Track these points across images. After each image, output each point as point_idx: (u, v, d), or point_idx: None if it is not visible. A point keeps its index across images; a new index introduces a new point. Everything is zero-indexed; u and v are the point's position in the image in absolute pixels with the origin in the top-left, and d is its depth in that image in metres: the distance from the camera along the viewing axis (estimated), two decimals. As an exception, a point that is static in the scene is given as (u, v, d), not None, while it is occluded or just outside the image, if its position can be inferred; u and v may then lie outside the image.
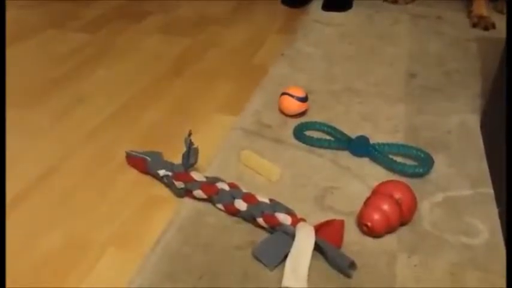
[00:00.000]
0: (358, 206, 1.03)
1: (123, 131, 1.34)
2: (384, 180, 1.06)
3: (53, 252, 0.97)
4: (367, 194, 1.04)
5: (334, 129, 1.29)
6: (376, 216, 0.97)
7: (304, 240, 0.92)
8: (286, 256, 0.92)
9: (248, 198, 1.01)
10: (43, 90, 1.52)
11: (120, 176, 1.17)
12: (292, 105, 1.35)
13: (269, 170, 1.15)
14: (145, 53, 1.79)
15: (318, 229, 0.94)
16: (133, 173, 1.18)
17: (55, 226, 1.03)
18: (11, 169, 1.15)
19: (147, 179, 1.15)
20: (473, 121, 1.38)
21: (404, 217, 1.00)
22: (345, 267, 0.90)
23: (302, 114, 1.37)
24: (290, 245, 0.92)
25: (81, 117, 1.39)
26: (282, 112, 1.38)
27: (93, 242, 0.99)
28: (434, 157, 1.18)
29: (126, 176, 1.17)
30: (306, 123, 1.32)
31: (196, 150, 1.10)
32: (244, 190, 1.04)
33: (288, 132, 1.31)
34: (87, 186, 1.14)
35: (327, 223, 0.95)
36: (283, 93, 1.36)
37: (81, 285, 0.90)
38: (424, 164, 1.17)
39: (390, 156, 1.19)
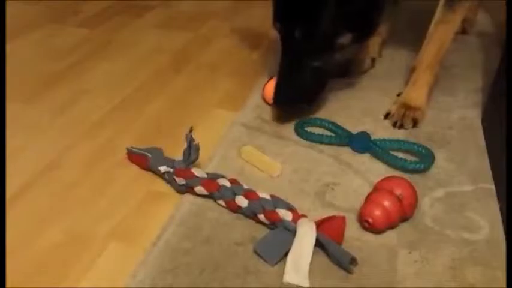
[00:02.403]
0: (359, 202, 1.03)
1: (123, 125, 1.34)
2: (385, 176, 1.07)
3: (54, 247, 0.97)
4: (368, 190, 1.05)
5: (335, 125, 1.29)
6: (377, 212, 0.97)
7: (305, 236, 0.92)
8: (287, 252, 0.92)
9: (249, 194, 1.01)
10: (43, 85, 1.52)
11: (120, 171, 1.17)
12: None
13: (270, 166, 1.15)
14: (146, 48, 1.78)
15: (319, 225, 0.94)
16: (134, 168, 1.18)
17: (56, 221, 1.03)
18: (11, 164, 1.15)
19: (148, 174, 1.15)
20: (474, 116, 1.38)
21: (405, 213, 1.00)
22: (346, 263, 0.90)
23: None
24: (291, 241, 0.92)
25: (82, 112, 1.39)
26: (266, 101, 1.38)
27: (94, 237, 1.00)
28: (435, 152, 1.18)
29: (126, 171, 1.17)
30: (307, 119, 1.32)
31: (197, 147, 1.09)
32: (245, 186, 1.04)
33: (288, 128, 1.30)
34: (87, 181, 1.14)
35: (328, 219, 0.95)
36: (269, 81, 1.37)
37: (83, 280, 0.90)
38: (425, 159, 1.17)
39: (391, 152, 1.19)
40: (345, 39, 1.23)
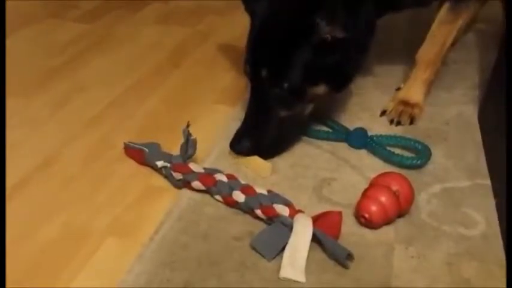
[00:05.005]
0: (355, 198, 1.03)
1: (121, 120, 1.34)
2: (382, 171, 1.07)
3: (52, 242, 0.97)
4: (365, 185, 1.05)
5: (332, 120, 1.30)
6: (374, 208, 0.98)
7: (302, 232, 0.92)
8: (284, 247, 0.92)
9: (246, 189, 1.02)
10: (42, 80, 1.52)
11: (118, 165, 1.17)
12: None
13: (260, 166, 1.15)
14: (144, 43, 1.78)
15: (316, 220, 0.95)
16: (132, 163, 1.18)
17: (54, 215, 1.03)
18: (10, 158, 1.15)
19: (146, 169, 1.16)
20: (471, 112, 1.38)
21: (402, 208, 1.00)
22: (342, 258, 0.91)
23: None
24: (288, 236, 0.93)
25: (80, 107, 1.40)
26: None
27: (92, 231, 1.00)
28: (432, 148, 1.19)
29: (124, 166, 1.17)
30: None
31: (194, 141, 1.10)
32: (243, 181, 1.05)
33: (286, 124, 1.30)
34: (86, 175, 1.15)
35: (325, 214, 0.96)
36: None
37: (80, 275, 0.90)
38: (421, 155, 1.17)
39: (388, 148, 1.19)
40: (319, 90, 1.15)
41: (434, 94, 1.43)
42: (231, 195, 1.02)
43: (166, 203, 1.06)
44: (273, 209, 0.98)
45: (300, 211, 0.98)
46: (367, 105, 1.40)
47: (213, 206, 1.05)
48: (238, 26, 1.86)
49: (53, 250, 0.96)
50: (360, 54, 1.21)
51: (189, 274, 0.89)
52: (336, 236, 0.95)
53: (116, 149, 1.22)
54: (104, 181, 1.13)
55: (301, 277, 0.88)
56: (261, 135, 1.17)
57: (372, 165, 1.17)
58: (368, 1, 1.17)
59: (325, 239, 0.93)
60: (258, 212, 0.99)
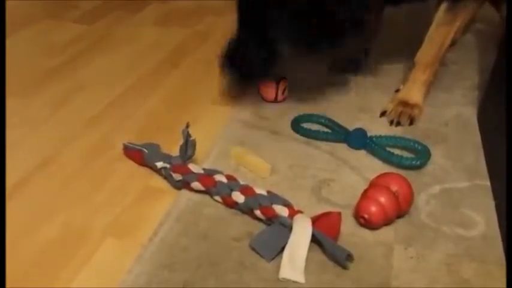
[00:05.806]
0: (355, 198, 1.03)
1: (121, 120, 1.34)
2: (381, 172, 1.07)
3: (51, 242, 0.97)
4: (364, 186, 1.05)
5: (332, 121, 1.30)
6: (373, 209, 0.98)
7: (301, 232, 0.93)
8: (283, 248, 0.92)
9: (246, 190, 1.02)
10: (41, 80, 1.52)
11: (118, 166, 1.17)
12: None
13: (259, 167, 1.15)
14: (143, 43, 1.78)
15: (315, 221, 0.95)
16: (132, 163, 1.18)
17: (53, 215, 1.03)
18: (10, 158, 1.15)
19: (145, 169, 1.16)
20: (471, 113, 1.38)
21: (401, 209, 1.01)
22: (342, 259, 0.91)
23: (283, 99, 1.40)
24: (287, 237, 0.93)
25: (79, 107, 1.40)
26: (263, 98, 1.41)
27: (91, 231, 1.00)
28: (431, 149, 1.19)
29: (124, 166, 1.17)
30: (304, 115, 1.32)
31: (194, 142, 1.10)
32: (242, 182, 1.04)
33: (285, 124, 1.31)
34: (85, 175, 1.15)
35: (324, 215, 0.96)
36: None
37: (79, 275, 0.91)
38: (421, 156, 1.17)
39: (387, 148, 1.19)
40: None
41: (434, 95, 1.44)
42: (230, 195, 1.02)
43: (166, 204, 1.06)
44: (272, 209, 0.98)
45: (299, 212, 0.98)
46: (367, 105, 1.40)
47: (212, 207, 1.05)
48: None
49: (52, 250, 0.96)
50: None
51: (188, 275, 0.89)
52: (335, 237, 0.95)
53: (115, 149, 1.22)
54: (103, 181, 1.13)
55: (300, 277, 0.89)
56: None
57: (371, 166, 1.17)
58: None
59: (324, 239, 0.93)
60: (257, 212, 0.99)
